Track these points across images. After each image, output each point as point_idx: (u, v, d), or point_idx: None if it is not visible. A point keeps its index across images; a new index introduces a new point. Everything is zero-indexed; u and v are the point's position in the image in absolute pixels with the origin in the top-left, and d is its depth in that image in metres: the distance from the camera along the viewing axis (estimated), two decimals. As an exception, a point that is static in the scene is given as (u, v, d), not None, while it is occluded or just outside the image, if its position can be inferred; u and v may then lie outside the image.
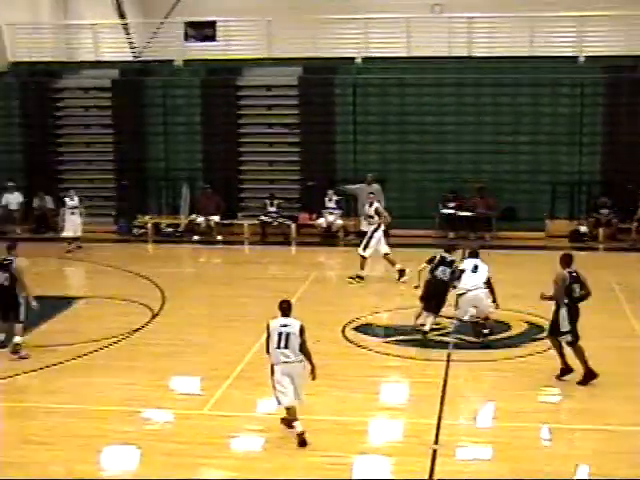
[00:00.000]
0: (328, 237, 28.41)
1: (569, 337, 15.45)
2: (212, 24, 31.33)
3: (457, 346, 17.79)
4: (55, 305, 21.00)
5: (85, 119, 31.51)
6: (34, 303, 17.51)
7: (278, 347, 13.29)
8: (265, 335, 13.53)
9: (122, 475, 12.55)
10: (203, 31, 31.56)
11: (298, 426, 13.22)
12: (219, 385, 15.68)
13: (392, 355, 17.26)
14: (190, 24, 31.51)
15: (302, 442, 13.13)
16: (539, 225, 28.34)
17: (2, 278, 17.47)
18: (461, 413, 14.67)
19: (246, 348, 17.52)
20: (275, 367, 13.38)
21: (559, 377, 15.72)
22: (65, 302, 21.27)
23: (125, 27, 35.70)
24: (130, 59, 33.79)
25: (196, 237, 28.61)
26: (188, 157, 30.28)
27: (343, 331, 18.75)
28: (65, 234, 27.02)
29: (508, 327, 18.91)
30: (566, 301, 15.40)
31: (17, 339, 17.40)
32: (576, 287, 15.47)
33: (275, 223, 28.76)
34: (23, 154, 31.13)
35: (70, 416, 14.57)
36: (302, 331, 13.41)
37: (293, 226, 28.71)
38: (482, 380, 16.17)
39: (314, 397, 15.07)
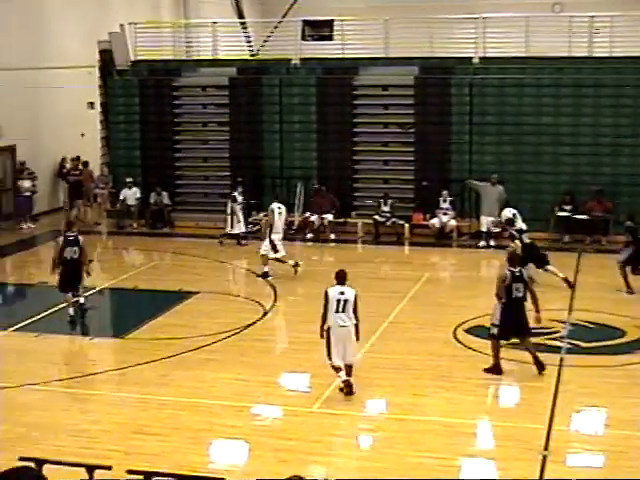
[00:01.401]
0: (441, 238, 28.23)
1: None
2: (329, 23, 31.40)
3: (569, 351, 17.52)
4: (169, 299, 21.35)
5: (202, 117, 31.88)
6: (92, 274, 20.36)
7: (337, 311, 14.90)
8: (323, 302, 15.04)
9: (230, 469, 12.65)
10: (320, 30, 31.64)
11: (343, 375, 14.93)
12: (329, 383, 15.70)
13: (503, 358, 17.07)
14: (307, 23, 31.62)
15: (349, 391, 14.86)
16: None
17: (72, 252, 19.45)
18: (572, 419, 14.42)
19: (357, 346, 17.52)
20: (331, 330, 14.95)
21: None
22: (179, 296, 21.58)
23: (243, 26, 36.08)
24: (247, 57, 34.11)
25: (309, 235, 28.72)
26: (303, 155, 30.40)
27: (454, 332, 18.62)
28: (234, 230, 27.46)
29: (623, 333, 18.55)
30: None
31: (81, 300, 19.91)
32: None
33: (388, 223, 28.68)
34: (141, 150, 31.65)
35: (181, 409, 14.78)
36: (356, 298, 15.08)
37: (406, 226, 28.60)
38: (594, 386, 15.85)
39: (425, 398, 15.04)
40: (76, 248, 19.43)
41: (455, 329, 18.78)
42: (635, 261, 21.75)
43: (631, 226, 22.32)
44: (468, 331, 18.66)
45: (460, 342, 18.07)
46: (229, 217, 27.55)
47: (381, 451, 13.14)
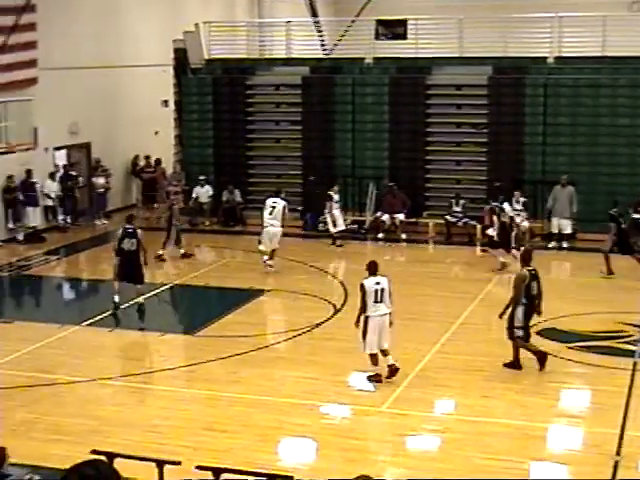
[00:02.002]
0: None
1: None
2: (403, 22, 31.32)
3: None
4: (240, 297, 21.47)
5: (275, 115, 31.98)
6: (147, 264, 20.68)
7: (376, 301, 15.56)
8: (360, 294, 15.69)
9: (298, 468, 12.69)
10: (394, 29, 31.57)
11: (389, 360, 15.66)
12: (398, 383, 15.69)
13: (575, 361, 16.90)
14: (381, 22, 31.57)
15: (393, 371, 15.65)
16: None
17: (130, 244, 20.10)
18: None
19: (427, 347, 17.50)
20: (370, 319, 15.58)
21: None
22: (250, 294, 21.69)
23: (317, 25, 36.13)
24: (321, 56, 34.17)
25: (381, 235, 28.68)
26: (375, 155, 30.34)
27: (525, 335, 18.43)
28: (333, 229, 27.60)
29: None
30: None
31: (140, 299, 20.02)
32: None
33: (460, 223, 28.54)
34: (214, 148, 31.84)
35: (251, 406, 14.87)
36: (389, 285, 15.83)
37: (478, 227, 28.42)
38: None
39: (494, 400, 14.96)
40: (134, 240, 20.12)
41: (526, 331, 18.59)
42: (621, 245, 23.29)
43: (614, 214, 23.68)
44: (539, 333, 18.45)
45: (531, 344, 17.88)
46: (328, 217, 27.73)
47: (449, 452, 13.09)
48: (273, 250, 24.02)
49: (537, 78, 29.02)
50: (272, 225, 24.03)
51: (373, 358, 15.80)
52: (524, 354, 16.46)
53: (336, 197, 27.78)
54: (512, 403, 14.90)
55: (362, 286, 15.77)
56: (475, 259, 26.76)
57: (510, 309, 16.47)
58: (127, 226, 20.43)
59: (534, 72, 29.32)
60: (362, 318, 15.74)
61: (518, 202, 27.95)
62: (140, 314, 19.87)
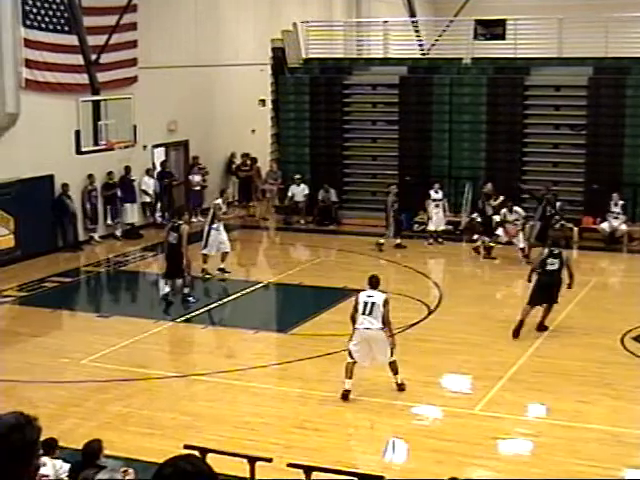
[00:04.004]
0: (611, 242, 27.54)
1: None
2: (502, 22, 31.06)
3: None
4: (333, 296, 21.47)
5: (372, 115, 31.97)
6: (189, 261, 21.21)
7: (363, 313, 15.09)
8: (354, 304, 15.34)
9: (388, 468, 12.68)
10: (493, 29, 31.32)
11: (347, 384, 15.00)
12: (491, 386, 15.57)
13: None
14: (480, 22, 31.35)
15: (345, 397, 14.95)
16: None
17: (172, 237, 20.84)
18: None
19: (521, 350, 17.33)
20: (355, 330, 15.17)
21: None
22: (344, 293, 21.67)
23: (415, 25, 36.01)
24: (418, 56, 34.06)
25: (476, 236, 28.42)
26: (471, 156, 30.12)
27: (622, 340, 18.14)
28: (428, 227, 27.66)
29: None
30: None
31: (185, 290, 21.05)
32: None
33: (556, 225, 28.16)
34: (310, 148, 31.95)
35: (342, 405, 14.88)
36: (386, 303, 15.23)
37: (575, 229, 28.03)
38: None
39: (589, 405, 14.75)
40: (176, 234, 20.80)
41: (623, 336, 18.29)
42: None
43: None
44: (637, 339, 18.16)
45: (628, 350, 17.59)
46: (427, 214, 27.75)
47: (541, 457, 12.95)
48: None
49: (639, 79, 28.51)
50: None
51: (347, 367, 15.17)
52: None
53: (435, 195, 27.64)
54: (607, 409, 14.66)
55: (356, 297, 15.58)
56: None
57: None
58: (174, 220, 21.42)
59: (636, 72, 28.82)
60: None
61: (617, 205, 27.52)
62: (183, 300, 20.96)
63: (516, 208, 25.47)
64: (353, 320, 15.33)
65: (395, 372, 15.36)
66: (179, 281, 21.19)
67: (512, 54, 30.93)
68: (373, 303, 15.18)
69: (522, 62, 30.52)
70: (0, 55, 23.50)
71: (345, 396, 15.04)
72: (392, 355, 15.29)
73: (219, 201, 24.08)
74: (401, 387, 15.37)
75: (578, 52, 29.71)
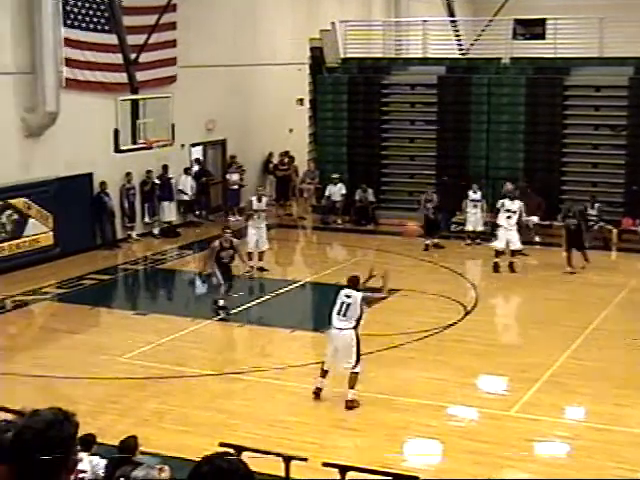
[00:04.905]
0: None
1: None
2: (542, 22, 30.89)
3: None
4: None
5: (410, 115, 31.90)
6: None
7: (338, 313, 14.98)
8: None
9: (424, 468, 12.65)
10: (532, 29, 31.16)
11: (318, 383, 14.98)
12: (528, 387, 15.50)
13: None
14: (519, 22, 31.20)
15: (316, 394, 14.95)
16: None
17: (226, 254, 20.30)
18: None
19: (558, 352, 17.24)
20: (329, 330, 15.19)
21: None
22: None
23: (454, 24, 35.91)
24: (457, 56, 33.95)
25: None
26: (509, 156, 29.98)
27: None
28: (465, 228, 27.64)
29: None
30: None
31: (221, 302, 20.30)
32: None
33: (595, 227, 27.99)
34: (348, 147, 31.93)
35: (378, 405, 14.87)
36: (363, 299, 15.17)
37: (614, 231, 27.84)
38: None
39: (627, 409, 14.65)
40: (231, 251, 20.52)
41: (662, 339, 18.16)
42: None
43: None
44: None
45: (667, 353, 17.47)
46: (465, 215, 27.73)
47: (578, 460, 12.87)
48: None
49: (680, 79, 28.26)
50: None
51: (321, 372, 15.25)
52: None
53: (473, 196, 27.54)
54: (645, 412, 14.56)
55: (336, 293, 15.52)
56: (610, 264, 26.24)
57: None
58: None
59: (677, 73, 28.57)
60: None
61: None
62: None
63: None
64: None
65: (351, 386, 14.87)
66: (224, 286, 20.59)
67: (552, 54, 30.75)
68: (349, 304, 15.05)
69: (562, 62, 30.34)
70: (41, 54, 23.70)
71: (316, 394, 15.15)
72: (357, 366, 14.91)
73: (253, 198, 24.19)
74: (349, 405, 14.74)
75: (619, 52, 29.48)
